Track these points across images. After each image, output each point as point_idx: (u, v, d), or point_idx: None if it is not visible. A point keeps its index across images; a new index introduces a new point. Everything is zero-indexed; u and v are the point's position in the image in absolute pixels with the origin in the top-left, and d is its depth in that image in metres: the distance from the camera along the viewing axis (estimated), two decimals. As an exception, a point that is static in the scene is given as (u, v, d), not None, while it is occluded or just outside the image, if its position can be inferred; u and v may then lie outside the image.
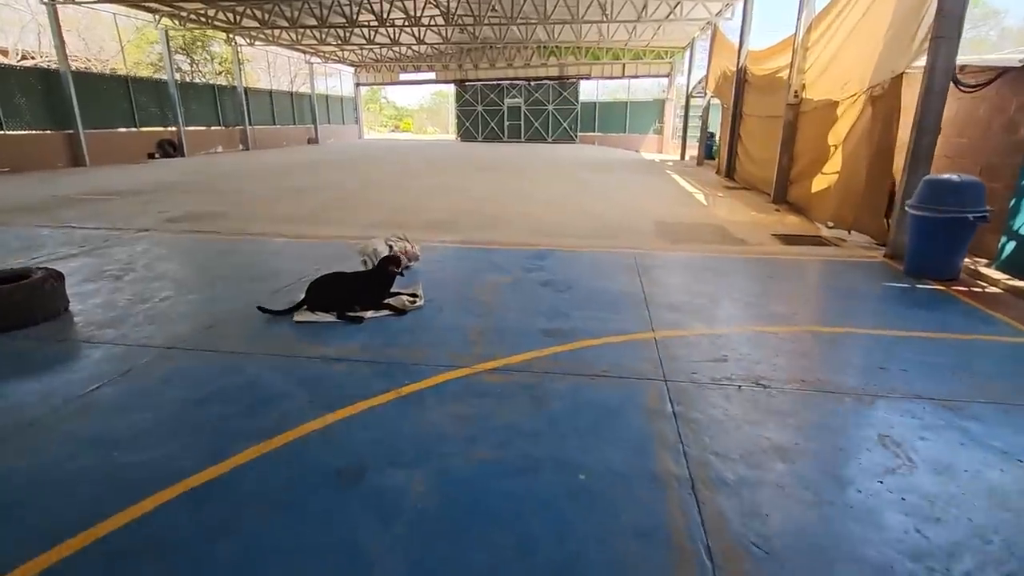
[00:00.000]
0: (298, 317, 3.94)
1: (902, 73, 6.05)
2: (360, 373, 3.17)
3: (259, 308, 3.98)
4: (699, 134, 19.00)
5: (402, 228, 7.33)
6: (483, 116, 32.71)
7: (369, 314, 4.05)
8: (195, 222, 7.68)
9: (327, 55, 29.32)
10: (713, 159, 18.33)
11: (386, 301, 4.22)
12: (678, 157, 21.56)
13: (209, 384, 3.06)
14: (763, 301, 4.53)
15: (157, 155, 18.98)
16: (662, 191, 11.80)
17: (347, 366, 3.25)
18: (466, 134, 33.42)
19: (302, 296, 4.22)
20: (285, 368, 3.22)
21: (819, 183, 8.12)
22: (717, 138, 20.08)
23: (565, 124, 31.57)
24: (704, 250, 6.33)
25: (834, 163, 7.65)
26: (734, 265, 5.74)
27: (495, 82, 32.21)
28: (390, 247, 5.16)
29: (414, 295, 4.45)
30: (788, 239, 6.94)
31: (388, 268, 4.25)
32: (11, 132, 14.53)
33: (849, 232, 6.99)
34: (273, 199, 9.84)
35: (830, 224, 7.16)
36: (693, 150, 21.51)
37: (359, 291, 4.14)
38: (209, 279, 5.02)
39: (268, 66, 28.31)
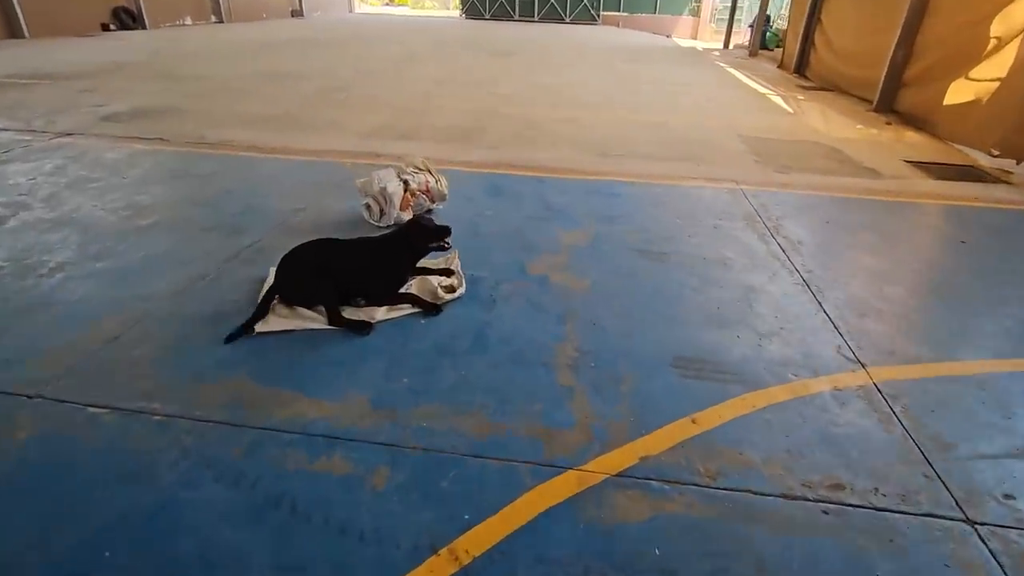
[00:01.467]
0: (262, 326, 2.38)
1: None
2: (375, 498, 1.67)
3: (227, 339, 2.34)
4: (755, 16, 16.01)
5: (411, 137, 5.52)
6: (492, -12, 28.38)
7: (380, 314, 2.50)
8: (138, 123, 5.79)
9: (308, -97, 24.50)
10: (769, 49, 15.57)
11: (406, 290, 2.65)
12: (720, 45, 18.56)
13: (57, 527, 1.59)
14: (987, 293, 2.97)
15: (112, 26, 16.00)
16: (727, 91, 9.64)
17: (346, 468, 1.74)
18: (471, 10, 29.23)
19: (269, 279, 2.65)
20: (221, 467, 1.73)
21: (961, 90, 6.14)
22: (772, 23, 17.08)
23: (586, 1, 27.48)
24: (830, 185, 4.62)
25: (996, 63, 5.65)
26: (887, 215, 4.09)
27: (507, -55, 27.58)
28: (404, 182, 3.46)
29: (448, 271, 2.86)
30: (930, 169, 5.19)
31: (417, 239, 2.63)
32: (-79, -9, 11.76)
33: (1018, 163, 5.22)
34: (245, 90, 7.76)
35: (995, 152, 5.36)
36: (737, 37, 18.48)
37: (364, 273, 2.56)
38: (135, 229, 3.37)
39: (238, -85, 23.71)
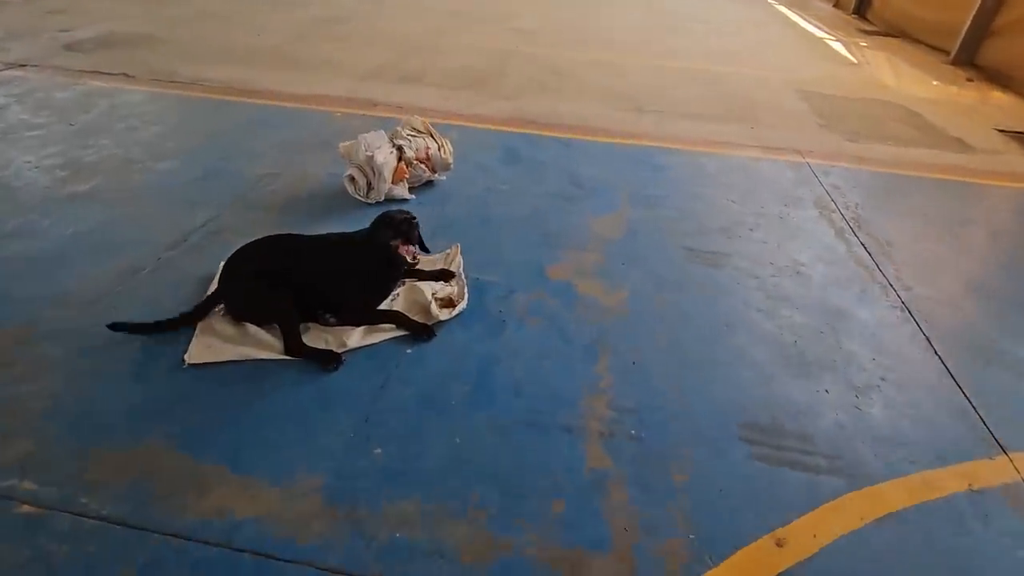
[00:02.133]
0: (194, 355, 1.79)
1: None
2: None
3: (112, 326, 1.83)
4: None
5: (416, 81, 4.72)
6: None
7: (355, 339, 1.91)
8: (105, 53, 5.02)
9: None
10: (823, -16, 13.88)
11: (389, 305, 2.05)
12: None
13: None
14: None
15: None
16: (780, 33, 8.49)
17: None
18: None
19: (213, 284, 2.05)
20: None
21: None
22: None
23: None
24: (913, 161, 3.83)
25: None
26: (996, 205, 3.34)
27: None
28: (399, 149, 2.77)
29: (446, 274, 2.24)
30: (1031, 143, 4.35)
31: (389, 248, 1.97)
32: None
33: None
34: (234, 17, 6.85)
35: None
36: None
37: (334, 282, 1.95)
38: (68, 196, 2.74)
39: None
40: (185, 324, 1.85)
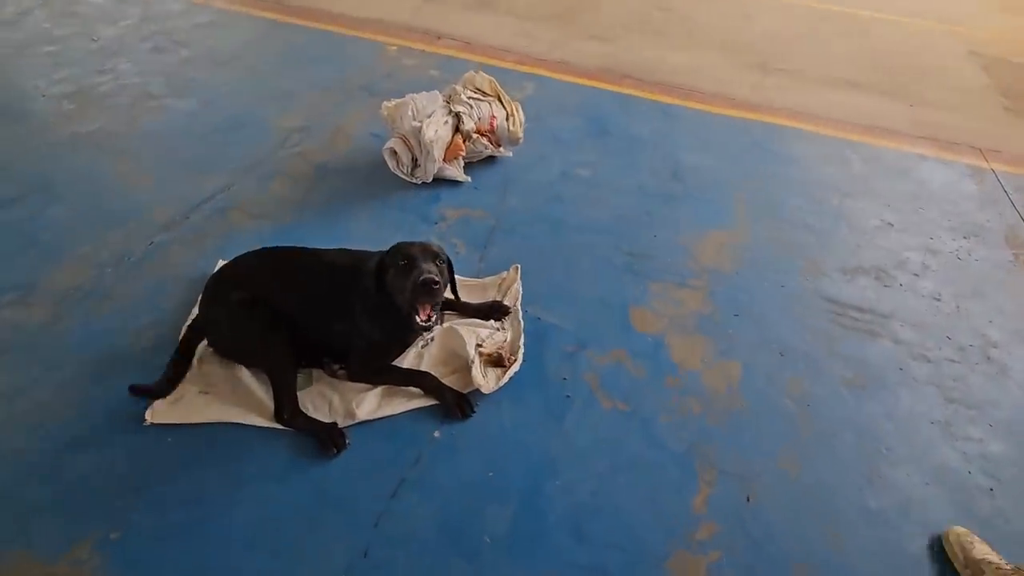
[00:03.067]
0: (158, 412, 1.35)
1: None
2: None
3: (133, 390, 1.39)
4: None
5: (490, 7, 3.92)
6: None
7: (366, 408, 1.42)
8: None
9: None
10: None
11: (417, 361, 1.52)
12: None
13: None
14: None
15: None
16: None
17: None
18: None
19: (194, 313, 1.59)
20: None
21: None
22: None
23: None
24: None
25: None
26: None
27: None
28: (456, 117, 2.14)
29: (498, 311, 1.68)
30: None
31: (410, 312, 1.34)
32: None
33: None
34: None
35: None
36: None
37: (335, 321, 1.44)
38: (66, 141, 2.31)
39: None
40: (177, 378, 1.41)
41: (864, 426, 1.52)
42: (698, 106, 2.98)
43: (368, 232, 1.98)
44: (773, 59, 3.64)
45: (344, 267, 1.46)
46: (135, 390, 1.37)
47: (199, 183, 2.13)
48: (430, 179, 2.17)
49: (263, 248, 1.55)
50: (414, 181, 2.18)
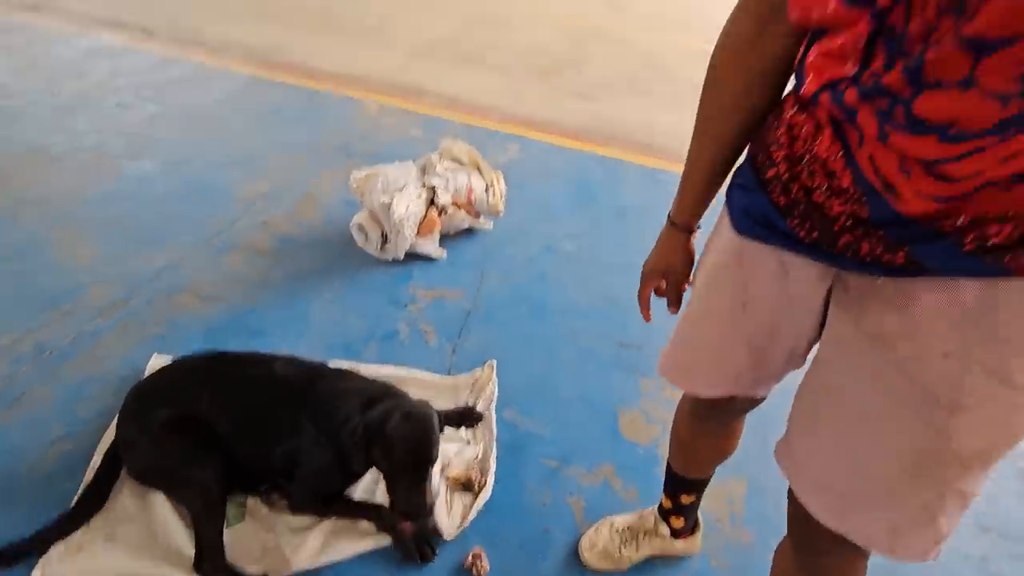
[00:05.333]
0: (50, 570, 1.11)
1: None
2: None
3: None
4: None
5: (477, 62, 3.85)
6: None
7: (306, 554, 1.19)
8: (131, -1, 4.40)
9: None
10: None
11: (361, 497, 1.31)
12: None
13: None
14: None
15: None
16: None
17: None
18: None
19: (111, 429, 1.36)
20: None
21: None
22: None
23: None
24: None
25: None
26: None
27: None
28: (431, 191, 1.98)
29: (469, 418, 1.47)
30: None
31: (372, 452, 1.15)
32: None
33: None
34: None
35: None
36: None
37: (285, 443, 1.23)
38: (12, 205, 2.12)
39: None
40: (76, 523, 1.17)
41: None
42: (688, 171, 2.87)
43: (331, 319, 1.78)
44: (763, 120, 3.58)
45: (296, 382, 1.26)
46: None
47: (146, 258, 1.94)
48: (401, 256, 1.99)
49: (199, 353, 1.34)
50: (384, 257, 2.01)
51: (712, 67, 0.73)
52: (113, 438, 1.29)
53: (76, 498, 1.20)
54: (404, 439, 1.12)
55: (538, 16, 5.11)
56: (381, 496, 1.29)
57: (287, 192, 2.35)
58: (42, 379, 1.51)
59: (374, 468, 1.24)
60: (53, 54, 3.32)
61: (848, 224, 0.60)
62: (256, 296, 1.85)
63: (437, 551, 1.21)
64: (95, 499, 1.20)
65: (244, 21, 4.20)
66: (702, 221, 0.89)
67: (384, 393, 1.26)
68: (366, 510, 1.25)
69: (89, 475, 1.24)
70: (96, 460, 1.27)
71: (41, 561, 1.11)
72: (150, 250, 1.98)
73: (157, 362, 1.52)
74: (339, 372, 1.33)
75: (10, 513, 1.20)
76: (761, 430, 1.24)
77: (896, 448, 0.63)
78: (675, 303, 0.95)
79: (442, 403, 1.53)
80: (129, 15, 4.00)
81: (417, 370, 1.60)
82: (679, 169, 0.85)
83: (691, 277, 0.92)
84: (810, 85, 0.60)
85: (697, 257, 0.90)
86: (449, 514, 1.26)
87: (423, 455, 1.13)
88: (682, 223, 0.87)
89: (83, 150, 2.49)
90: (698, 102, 0.77)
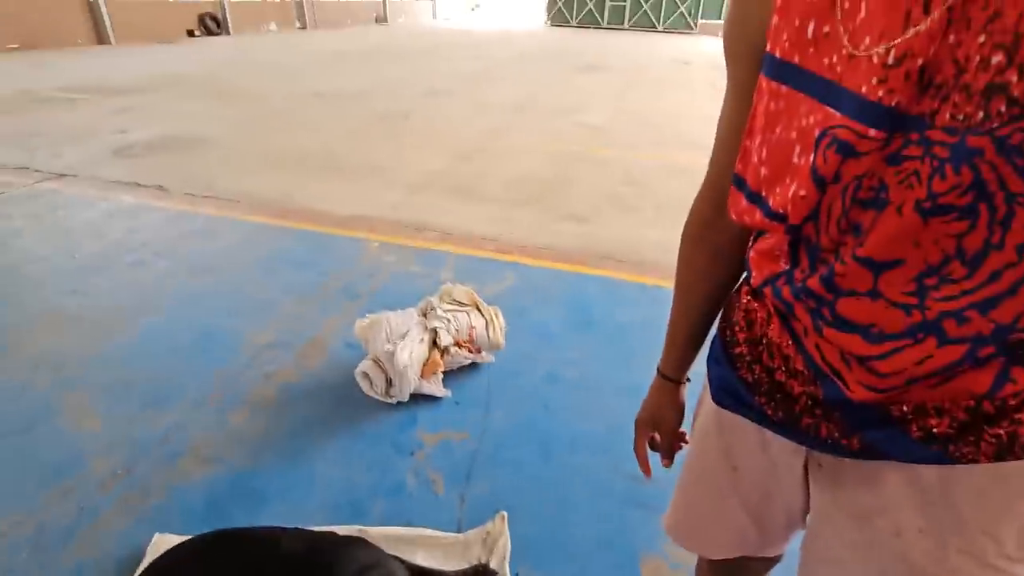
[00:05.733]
0: None
1: None
2: None
3: None
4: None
5: (471, 194, 4.12)
6: (579, -8, 26.92)
7: None
8: (151, 159, 4.81)
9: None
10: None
11: None
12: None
13: None
14: None
15: (198, 32, 16.03)
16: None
17: None
18: (557, 17, 27.95)
19: None
20: None
21: None
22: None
23: (682, 8, 25.39)
24: None
25: None
26: None
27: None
28: (433, 333, 2.05)
29: (483, 574, 1.40)
30: None
31: None
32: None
33: None
34: (292, 115, 6.73)
35: None
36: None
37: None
38: (27, 366, 2.17)
39: (332, -78, 23.79)
40: None
41: None
42: (680, 285, 2.96)
43: (337, 475, 1.75)
44: (744, 228, 3.76)
45: (304, 562, 1.22)
46: None
47: (151, 420, 1.94)
48: (406, 398, 2.00)
49: (202, 535, 1.31)
50: (389, 400, 2.01)
51: (681, 243, 0.81)
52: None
53: None
54: None
55: (523, 149, 5.56)
56: None
57: (292, 340, 2.41)
58: (40, 566, 1.44)
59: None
60: (77, 219, 3.56)
61: (808, 404, 0.62)
62: (259, 456, 1.83)
63: None
64: None
65: (253, 173, 4.56)
66: (691, 373, 0.92)
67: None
68: None
69: None
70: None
71: None
72: (155, 411, 1.99)
73: (159, 543, 1.47)
74: (348, 549, 1.28)
75: None
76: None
77: None
78: (668, 456, 0.95)
79: (453, 563, 1.46)
80: (146, 177, 4.35)
81: (426, 529, 1.54)
82: (669, 284, 0.89)
83: (686, 433, 0.93)
84: (755, 278, 0.66)
85: (690, 414, 0.92)
86: None
87: None
88: (671, 374, 0.90)
89: (98, 309, 2.59)
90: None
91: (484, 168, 4.88)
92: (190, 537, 1.33)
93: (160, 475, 1.73)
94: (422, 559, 1.45)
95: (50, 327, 2.47)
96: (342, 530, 1.50)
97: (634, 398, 0.99)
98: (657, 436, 0.95)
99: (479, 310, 2.16)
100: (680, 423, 0.93)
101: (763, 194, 0.59)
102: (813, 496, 0.70)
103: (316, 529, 1.39)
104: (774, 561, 0.89)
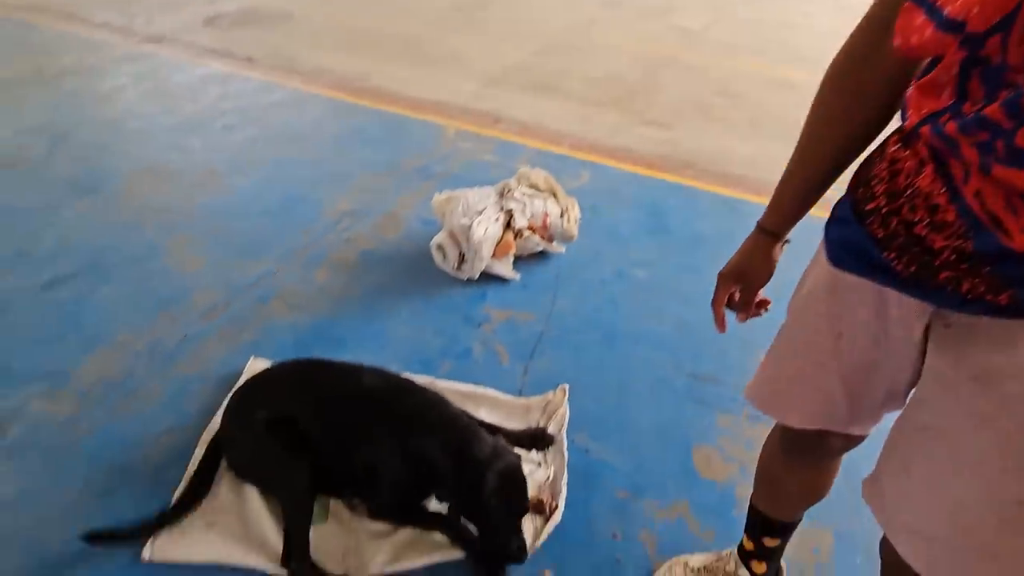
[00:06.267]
0: (158, 549, 1.21)
1: None
2: None
3: (87, 538, 1.22)
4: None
5: (551, 90, 3.95)
6: None
7: (378, 564, 1.23)
8: (237, 31, 4.84)
9: None
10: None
11: (436, 508, 1.33)
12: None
13: None
14: None
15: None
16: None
17: None
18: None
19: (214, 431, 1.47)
20: None
21: None
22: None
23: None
24: None
25: None
26: None
27: None
28: (508, 214, 2.05)
29: (540, 440, 1.48)
30: None
31: (492, 496, 1.16)
32: None
33: None
34: (374, -6, 6.49)
35: None
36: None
37: (373, 456, 1.28)
38: (134, 213, 2.37)
39: None
40: (184, 509, 1.27)
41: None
42: (766, 201, 2.79)
43: (409, 335, 1.86)
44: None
45: (383, 396, 1.32)
46: (100, 537, 1.19)
47: (245, 267, 2.11)
48: (476, 276, 2.05)
49: (296, 360, 1.45)
50: (460, 276, 2.08)
51: (820, 88, 0.75)
52: (215, 433, 1.40)
53: (181, 487, 1.31)
54: (504, 494, 1.17)
55: (611, 46, 5.18)
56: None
57: (370, 210, 2.49)
58: (153, 376, 1.66)
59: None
60: (173, 80, 3.69)
61: (951, 259, 0.57)
62: (339, 309, 1.96)
63: (507, 572, 1.23)
64: (198, 488, 1.30)
65: (334, 51, 4.52)
66: (791, 236, 0.87)
67: (466, 430, 1.27)
68: (440, 523, 1.28)
69: (192, 466, 1.35)
70: (199, 452, 1.38)
71: (150, 541, 1.22)
72: (247, 260, 2.15)
73: (254, 365, 1.64)
74: (423, 393, 1.37)
75: (125, 496, 1.33)
76: (855, 475, 1.18)
77: (998, 497, 0.60)
78: (744, 310, 0.93)
79: (513, 423, 1.55)
80: (235, 47, 4.40)
81: (490, 390, 1.64)
82: (759, 199, 0.85)
83: (769, 301, 0.91)
84: (911, 119, 0.60)
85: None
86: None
87: (521, 506, 1.20)
88: (771, 227, 0.86)
89: (194, 167, 2.75)
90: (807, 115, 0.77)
91: (566, 65, 4.61)
92: (282, 361, 1.47)
93: (253, 314, 1.90)
94: (484, 415, 1.55)
95: (154, 178, 2.65)
96: (414, 379, 1.61)
97: (702, 307, 0.97)
98: (738, 293, 0.92)
99: (555, 197, 2.13)
100: (767, 281, 0.90)
101: (938, 3, 0.52)
102: (930, 361, 0.67)
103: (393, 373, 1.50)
104: (854, 442, 0.88)
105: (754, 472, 1.10)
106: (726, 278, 0.92)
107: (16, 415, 1.51)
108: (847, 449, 0.92)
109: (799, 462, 0.99)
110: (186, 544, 1.22)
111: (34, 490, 1.35)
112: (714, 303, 0.94)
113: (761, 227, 0.87)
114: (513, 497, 1.18)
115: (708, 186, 2.89)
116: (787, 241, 0.87)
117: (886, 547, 0.74)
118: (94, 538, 1.19)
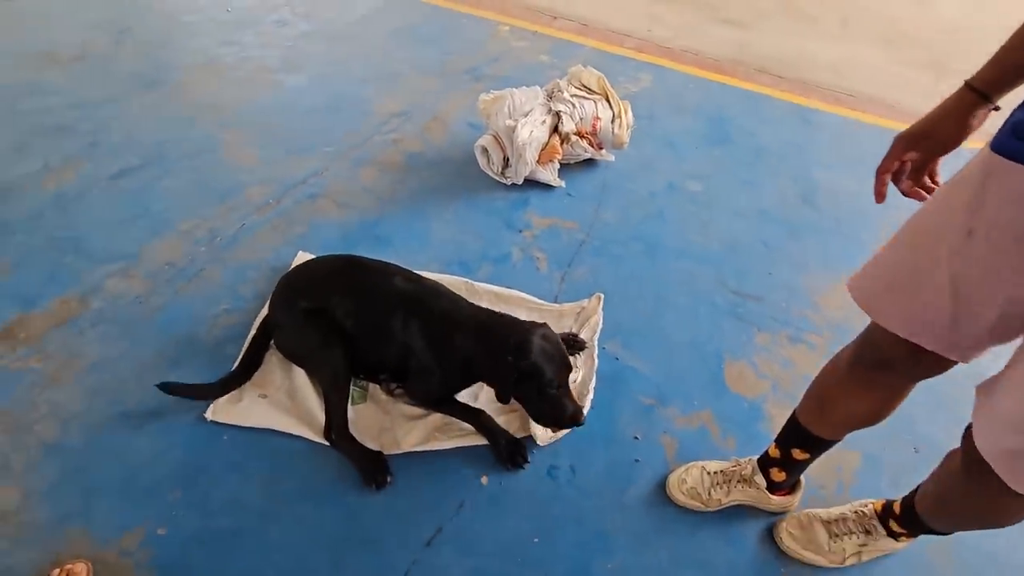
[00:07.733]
0: (218, 411, 1.34)
1: None
2: None
3: (163, 387, 1.36)
4: None
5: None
6: None
7: (411, 441, 1.32)
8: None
9: None
10: None
11: (466, 399, 1.40)
12: None
13: None
14: None
15: None
16: None
17: None
18: None
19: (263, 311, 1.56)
20: None
21: None
22: None
23: None
24: None
25: None
26: None
27: None
28: (556, 116, 1.95)
29: (572, 344, 1.51)
30: None
31: (519, 362, 1.19)
32: None
33: None
34: None
35: None
36: None
37: (408, 346, 1.34)
38: (186, 110, 2.42)
39: None
40: (240, 379, 1.40)
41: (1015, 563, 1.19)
42: (847, 113, 2.52)
43: (450, 236, 1.88)
44: (952, 58, 3.01)
45: (413, 297, 1.36)
46: (173, 390, 1.35)
47: (295, 164, 2.15)
48: (520, 181, 2.01)
49: (337, 256, 1.50)
50: (504, 181, 2.04)
51: None
52: (265, 316, 1.50)
53: (238, 361, 1.43)
54: (549, 357, 1.19)
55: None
56: (481, 402, 1.39)
57: (418, 111, 2.44)
58: (213, 261, 1.77)
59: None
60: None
61: None
62: (384, 208, 1.99)
63: (528, 457, 1.30)
64: (252, 363, 1.43)
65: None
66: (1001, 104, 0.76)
67: (493, 316, 1.32)
68: (468, 413, 1.36)
69: (247, 344, 1.47)
70: (253, 332, 1.49)
71: (213, 403, 1.36)
72: (298, 157, 2.18)
73: (302, 257, 1.72)
74: (450, 295, 1.40)
75: (190, 365, 1.47)
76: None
77: None
78: (914, 178, 0.83)
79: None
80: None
81: (526, 294, 1.65)
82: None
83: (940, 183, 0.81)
84: None
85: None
86: (542, 435, 1.32)
87: (566, 365, 1.22)
88: (982, 85, 0.75)
89: (248, 62, 2.75)
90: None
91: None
92: (323, 256, 1.53)
93: (302, 209, 1.96)
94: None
95: (208, 74, 2.67)
96: (452, 280, 1.65)
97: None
98: (914, 156, 0.82)
99: (608, 101, 2.00)
100: (953, 148, 0.80)
101: None
102: None
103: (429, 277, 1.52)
104: (944, 368, 0.81)
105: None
106: (905, 139, 0.82)
107: (95, 290, 1.66)
108: (929, 375, 0.85)
109: (868, 382, 0.92)
110: (242, 410, 1.36)
111: (114, 355, 1.51)
112: (880, 168, 0.85)
113: (969, 84, 0.76)
114: (555, 355, 1.21)
115: (781, 93, 2.64)
116: (996, 108, 0.76)
117: (966, 439, 0.77)
118: (169, 389, 1.34)
